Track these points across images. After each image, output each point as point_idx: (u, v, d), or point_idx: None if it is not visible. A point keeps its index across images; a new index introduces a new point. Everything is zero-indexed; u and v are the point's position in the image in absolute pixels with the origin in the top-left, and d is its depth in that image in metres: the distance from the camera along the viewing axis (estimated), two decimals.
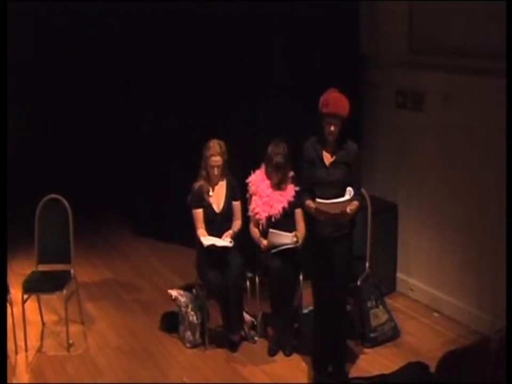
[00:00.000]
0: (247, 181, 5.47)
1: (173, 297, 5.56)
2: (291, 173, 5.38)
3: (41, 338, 5.68)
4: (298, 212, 5.32)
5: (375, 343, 5.41)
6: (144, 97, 7.67)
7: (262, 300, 5.52)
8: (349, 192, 4.57)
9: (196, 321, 5.46)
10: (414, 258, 6.21)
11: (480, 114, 5.35)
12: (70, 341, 5.51)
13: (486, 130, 5.30)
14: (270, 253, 5.23)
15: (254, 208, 5.39)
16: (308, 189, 4.79)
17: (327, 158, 4.69)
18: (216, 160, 5.34)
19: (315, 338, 4.97)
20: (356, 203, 4.66)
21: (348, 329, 5.28)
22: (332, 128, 4.58)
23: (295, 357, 5.30)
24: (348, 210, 4.58)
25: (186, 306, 5.49)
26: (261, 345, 5.48)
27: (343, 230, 4.73)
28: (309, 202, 4.69)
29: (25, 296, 5.40)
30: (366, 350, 5.37)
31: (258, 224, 5.39)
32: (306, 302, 5.42)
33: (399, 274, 6.39)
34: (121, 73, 8.09)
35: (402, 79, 6.09)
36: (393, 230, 6.29)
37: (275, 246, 5.22)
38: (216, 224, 5.42)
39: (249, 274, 5.48)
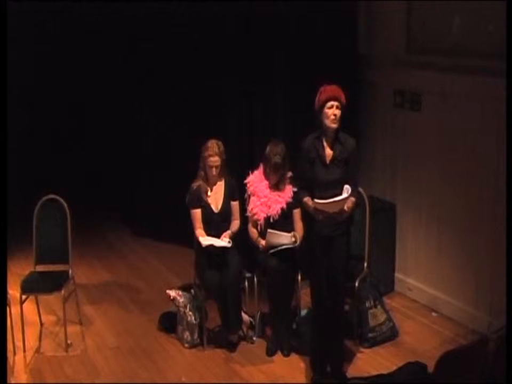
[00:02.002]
0: (245, 181, 5.48)
1: (171, 297, 5.56)
2: (289, 174, 5.38)
3: (40, 339, 5.67)
4: (297, 212, 5.33)
5: (374, 343, 5.41)
6: (142, 97, 7.67)
7: (260, 300, 5.52)
8: (347, 190, 4.58)
9: (194, 322, 5.46)
10: (412, 258, 6.21)
11: (477, 113, 5.35)
12: (68, 341, 5.50)
13: (484, 130, 5.30)
14: (268, 253, 5.23)
15: (252, 209, 5.39)
16: (306, 187, 4.79)
17: (327, 155, 4.67)
18: (215, 160, 5.34)
19: (313, 338, 4.97)
20: (352, 199, 4.66)
21: (346, 329, 5.29)
22: (335, 112, 4.55)
23: (294, 357, 5.29)
24: (346, 208, 4.59)
25: (185, 307, 5.49)
26: (259, 345, 5.47)
27: (341, 229, 4.73)
28: (307, 200, 4.69)
29: (24, 297, 5.39)
30: (365, 350, 5.37)
31: (257, 225, 5.39)
32: (305, 302, 5.42)
33: (397, 274, 6.39)
34: (119, 73, 8.08)
35: (400, 79, 6.09)
36: (391, 229, 6.29)
37: (273, 246, 5.22)
38: (215, 224, 5.42)
39: (248, 275, 5.48)
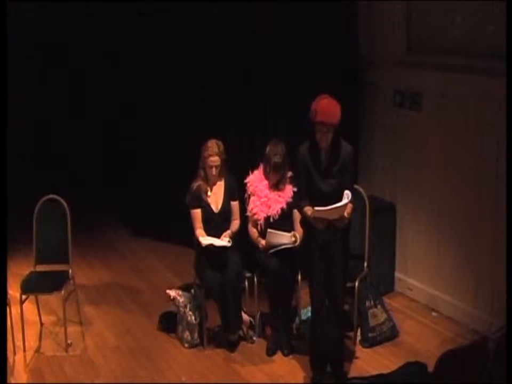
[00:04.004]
0: (246, 181, 5.48)
1: (171, 297, 5.57)
2: (289, 173, 5.38)
3: (40, 339, 5.67)
4: (297, 212, 5.32)
5: (374, 342, 5.41)
6: (141, 95, 7.67)
7: (260, 299, 5.52)
8: (347, 195, 4.54)
9: (194, 321, 5.46)
10: (412, 258, 6.21)
11: (478, 113, 5.35)
12: (68, 341, 5.50)
13: (484, 130, 5.30)
14: (268, 253, 5.23)
15: (252, 209, 5.39)
16: (305, 195, 4.77)
17: (324, 167, 4.65)
18: (214, 160, 5.34)
19: (313, 338, 4.97)
20: (350, 205, 4.64)
21: (346, 329, 5.29)
22: (323, 136, 4.54)
23: (294, 357, 5.29)
24: (346, 214, 4.58)
25: (185, 306, 5.50)
26: (259, 345, 5.47)
27: (338, 235, 4.71)
28: (307, 209, 4.67)
29: (24, 297, 5.39)
30: (365, 350, 5.37)
31: (257, 225, 5.39)
32: (305, 302, 5.42)
33: (398, 274, 6.39)
34: (118, 72, 8.08)
35: (400, 79, 6.09)
36: (391, 229, 6.29)
37: (273, 246, 5.22)
38: (215, 224, 5.42)
39: (248, 274, 5.48)
